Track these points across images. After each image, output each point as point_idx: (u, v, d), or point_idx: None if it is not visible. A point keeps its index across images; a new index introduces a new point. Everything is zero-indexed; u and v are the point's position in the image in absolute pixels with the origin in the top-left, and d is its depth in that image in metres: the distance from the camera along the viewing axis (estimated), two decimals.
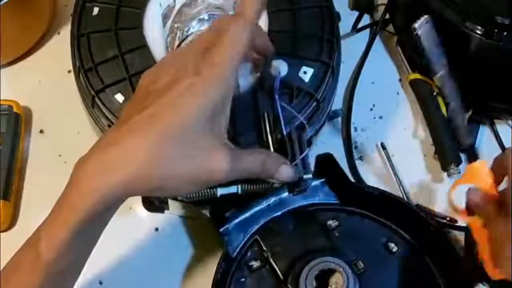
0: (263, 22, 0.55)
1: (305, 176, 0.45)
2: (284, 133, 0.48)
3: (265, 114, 0.49)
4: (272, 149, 0.48)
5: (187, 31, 0.56)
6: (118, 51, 0.53)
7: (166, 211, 0.54)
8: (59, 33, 0.68)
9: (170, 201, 0.52)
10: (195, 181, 0.41)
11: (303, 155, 0.48)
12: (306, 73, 0.53)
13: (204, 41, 0.43)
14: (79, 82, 0.54)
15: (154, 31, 0.54)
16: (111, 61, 0.53)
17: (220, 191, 0.47)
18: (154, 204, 0.47)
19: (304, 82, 0.53)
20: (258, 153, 0.44)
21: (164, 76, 0.42)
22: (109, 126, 0.52)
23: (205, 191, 0.46)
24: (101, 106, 0.52)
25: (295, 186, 0.47)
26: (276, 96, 0.49)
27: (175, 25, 0.57)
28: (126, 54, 0.53)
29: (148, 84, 0.43)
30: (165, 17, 0.56)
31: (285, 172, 0.44)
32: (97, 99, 0.52)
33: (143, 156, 0.38)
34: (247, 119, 0.49)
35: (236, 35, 0.41)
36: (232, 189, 0.47)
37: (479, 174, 0.45)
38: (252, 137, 0.49)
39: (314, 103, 0.53)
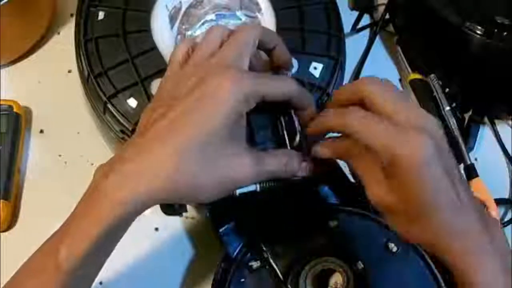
0: (271, 21, 0.56)
1: None
2: (299, 129, 0.48)
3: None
4: (288, 146, 0.48)
5: (195, 32, 0.56)
6: (128, 55, 0.53)
7: None
8: (59, 33, 0.68)
9: None
10: (221, 188, 0.41)
11: None
12: (316, 69, 0.54)
13: (209, 46, 0.44)
14: (87, 88, 0.54)
15: (163, 33, 0.54)
16: (121, 65, 0.53)
17: (239, 190, 0.46)
18: (173, 207, 0.47)
19: (315, 77, 0.54)
20: (280, 155, 0.44)
21: (185, 83, 0.41)
22: (122, 131, 0.52)
23: None
24: (114, 112, 0.51)
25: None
26: None
27: (183, 27, 0.56)
28: (136, 58, 0.53)
29: (170, 89, 0.43)
30: (172, 19, 0.56)
31: (307, 168, 0.45)
32: (109, 105, 0.51)
33: (169, 165, 0.38)
34: (262, 116, 0.49)
35: (242, 33, 0.43)
36: (251, 187, 0.47)
37: None
38: (268, 134, 0.48)
39: (326, 98, 0.53)
